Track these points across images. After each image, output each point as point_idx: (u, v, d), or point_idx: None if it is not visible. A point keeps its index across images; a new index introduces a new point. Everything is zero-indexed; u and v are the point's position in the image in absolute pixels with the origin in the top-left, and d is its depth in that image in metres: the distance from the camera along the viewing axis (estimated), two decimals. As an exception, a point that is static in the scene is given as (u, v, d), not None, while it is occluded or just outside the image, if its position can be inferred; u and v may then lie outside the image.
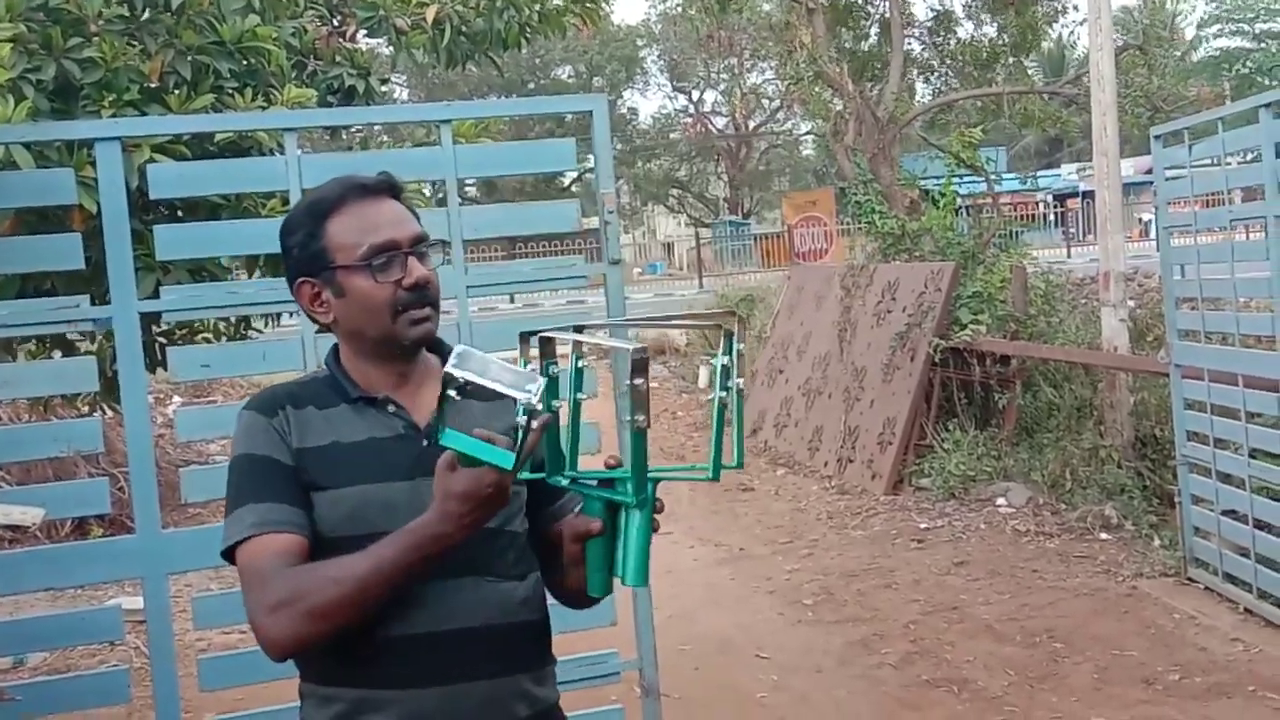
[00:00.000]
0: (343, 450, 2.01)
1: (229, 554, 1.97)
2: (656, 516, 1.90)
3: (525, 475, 1.87)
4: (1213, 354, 6.04)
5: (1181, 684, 5.13)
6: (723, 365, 1.83)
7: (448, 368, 1.74)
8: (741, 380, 1.84)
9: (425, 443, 2.00)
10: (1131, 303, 9.16)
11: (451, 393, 1.75)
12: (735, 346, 1.83)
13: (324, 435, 2.03)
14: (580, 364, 1.90)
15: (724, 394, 1.83)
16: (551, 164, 4.93)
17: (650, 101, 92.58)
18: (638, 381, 1.74)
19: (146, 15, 4.64)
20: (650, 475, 1.84)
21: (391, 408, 2.05)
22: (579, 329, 1.92)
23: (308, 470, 2.00)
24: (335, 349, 2.13)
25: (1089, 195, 27.51)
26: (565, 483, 1.91)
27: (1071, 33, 35.03)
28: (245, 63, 4.75)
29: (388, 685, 1.95)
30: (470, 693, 1.97)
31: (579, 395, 1.91)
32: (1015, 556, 7.16)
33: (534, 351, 1.89)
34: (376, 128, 7.33)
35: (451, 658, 1.96)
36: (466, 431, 1.78)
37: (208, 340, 5.48)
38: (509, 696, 2.02)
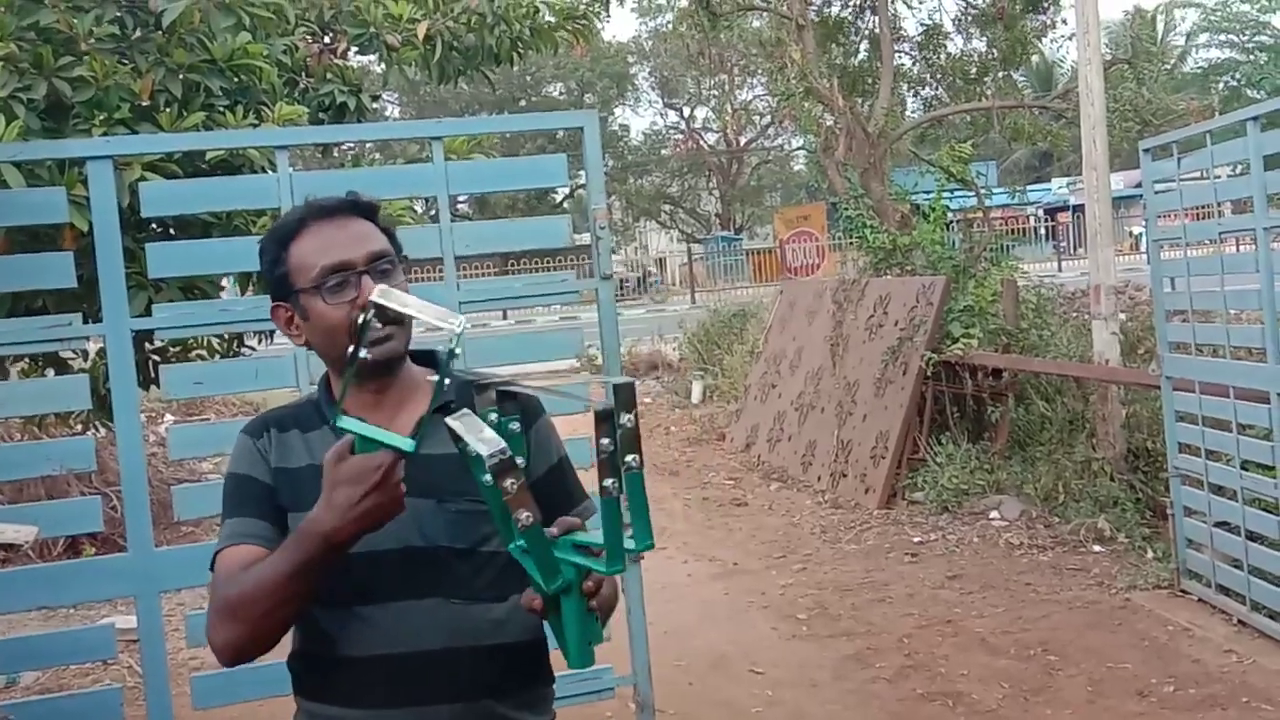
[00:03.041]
0: (317, 473, 2.02)
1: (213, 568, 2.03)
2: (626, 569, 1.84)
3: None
4: (1204, 366, 6.06)
5: (1175, 696, 5.14)
6: (606, 449, 1.63)
7: (372, 297, 1.70)
8: (636, 457, 1.63)
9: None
10: (1122, 316, 9.18)
11: (363, 353, 1.73)
12: (617, 426, 1.61)
13: (301, 458, 2.05)
14: (513, 426, 1.83)
15: (611, 482, 1.63)
16: (543, 180, 4.95)
17: (641, 118, 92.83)
18: (508, 484, 1.65)
19: (137, 34, 4.65)
20: (564, 564, 1.74)
21: None
22: (502, 386, 1.84)
23: (282, 491, 2.02)
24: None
25: (1079, 209, 27.63)
26: (517, 553, 1.80)
27: (1060, 47, 35.16)
28: (236, 80, 4.76)
29: (355, 705, 1.96)
30: (435, 716, 1.96)
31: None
32: (1009, 569, 7.17)
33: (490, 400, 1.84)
34: (368, 145, 7.34)
35: (413, 680, 1.95)
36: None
37: (201, 358, 5.47)
38: None
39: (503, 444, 1.66)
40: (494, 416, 1.83)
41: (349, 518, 1.74)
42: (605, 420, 1.63)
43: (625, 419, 1.62)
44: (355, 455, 1.72)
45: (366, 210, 2.09)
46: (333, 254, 2.00)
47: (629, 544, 1.68)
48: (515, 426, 1.85)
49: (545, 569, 1.72)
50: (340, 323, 1.99)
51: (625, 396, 1.62)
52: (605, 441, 1.63)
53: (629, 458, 1.62)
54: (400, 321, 2.01)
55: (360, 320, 1.68)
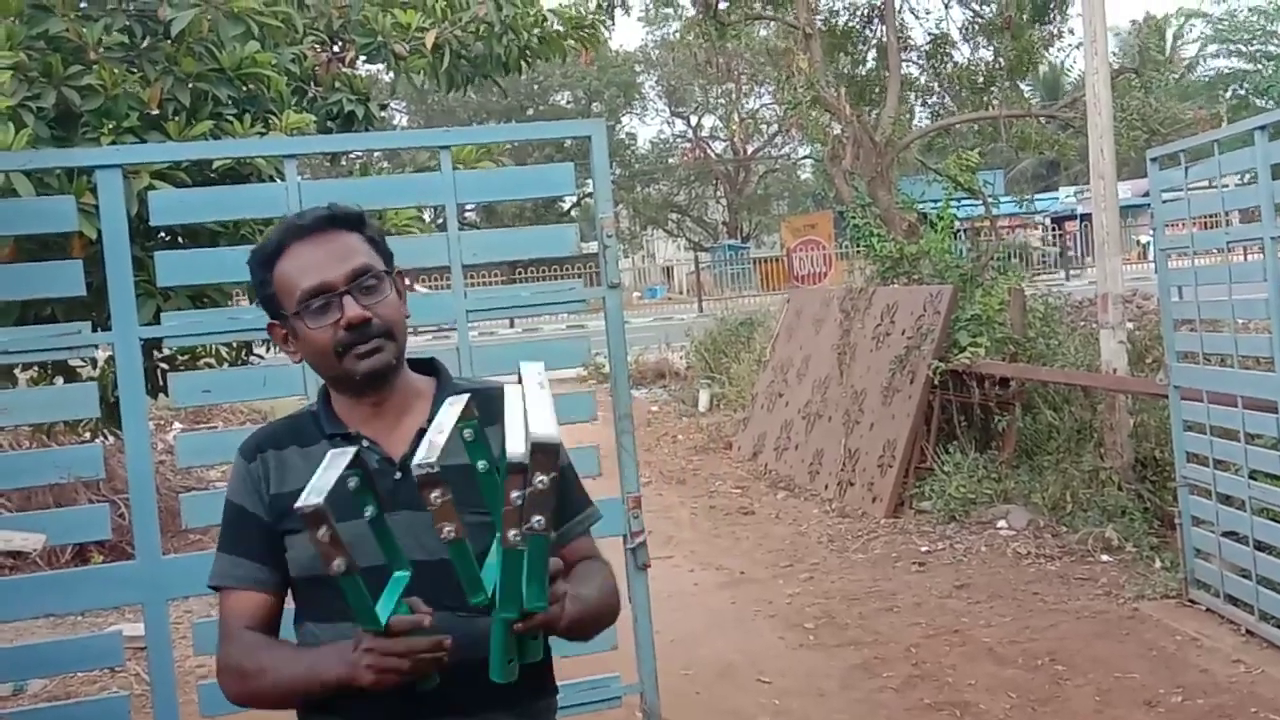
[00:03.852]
0: None
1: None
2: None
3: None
4: (1211, 375, 6.04)
5: (1183, 706, 5.12)
6: (515, 501, 1.62)
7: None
8: (541, 520, 1.61)
9: (398, 475, 2.03)
10: (1130, 325, 9.17)
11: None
12: (529, 484, 1.59)
13: (302, 478, 2.01)
14: (466, 434, 1.81)
15: (516, 535, 1.63)
16: (551, 189, 4.94)
17: (649, 127, 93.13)
18: (432, 496, 1.65)
19: (146, 43, 4.67)
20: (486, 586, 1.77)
21: (366, 443, 2.04)
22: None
23: (284, 515, 2.01)
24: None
25: (1086, 218, 27.61)
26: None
27: (1067, 56, 35.16)
28: (244, 89, 4.78)
29: (362, 718, 1.96)
30: None
31: (479, 463, 1.82)
32: (1016, 579, 7.15)
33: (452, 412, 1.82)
34: (376, 153, 7.36)
35: (422, 694, 1.93)
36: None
37: (209, 366, 5.49)
38: None
39: (435, 456, 1.65)
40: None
41: (365, 679, 1.82)
42: (521, 472, 1.61)
43: (540, 479, 1.59)
44: (406, 633, 1.78)
45: (347, 222, 2.08)
46: (312, 276, 2.00)
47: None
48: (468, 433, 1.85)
49: (469, 583, 1.76)
50: (325, 344, 2.01)
51: (546, 457, 1.59)
52: (516, 495, 1.61)
53: (535, 519, 1.60)
54: (391, 334, 2.03)
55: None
